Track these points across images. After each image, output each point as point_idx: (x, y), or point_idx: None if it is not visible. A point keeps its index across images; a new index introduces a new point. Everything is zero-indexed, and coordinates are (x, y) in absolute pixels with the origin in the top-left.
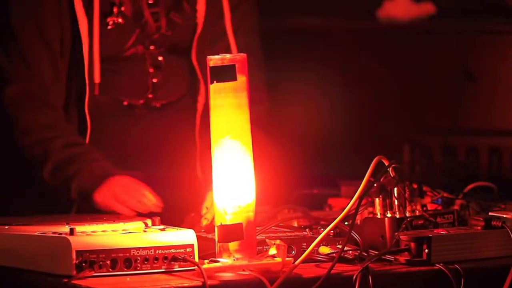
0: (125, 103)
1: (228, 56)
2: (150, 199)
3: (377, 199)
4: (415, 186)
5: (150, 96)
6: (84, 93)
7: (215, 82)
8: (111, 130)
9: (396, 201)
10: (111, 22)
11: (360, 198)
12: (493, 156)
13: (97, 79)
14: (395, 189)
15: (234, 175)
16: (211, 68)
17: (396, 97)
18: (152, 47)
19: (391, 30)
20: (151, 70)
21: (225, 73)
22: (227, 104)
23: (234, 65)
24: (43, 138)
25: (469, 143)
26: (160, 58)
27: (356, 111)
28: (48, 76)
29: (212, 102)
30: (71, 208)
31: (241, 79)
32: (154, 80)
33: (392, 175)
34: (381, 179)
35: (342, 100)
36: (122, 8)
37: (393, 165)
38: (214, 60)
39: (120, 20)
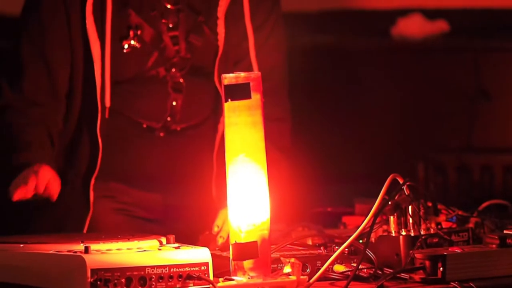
0: (144, 125)
1: (242, 74)
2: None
3: (391, 217)
4: (429, 204)
5: (169, 119)
6: (101, 116)
7: (229, 100)
8: (128, 152)
9: (410, 219)
10: (126, 46)
11: (375, 216)
12: (507, 174)
13: (107, 102)
14: (410, 207)
15: (248, 193)
16: (226, 86)
17: (410, 115)
18: (173, 70)
19: (405, 47)
20: (171, 92)
21: (239, 91)
22: (242, 122)
23: (248, 84)
24: (15, 107)
25: (483, 161)
26: (181, 81)
27: (370, 128)
28: (40, 96)
29: (227, 120)
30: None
31: (256, 97)
32: (174, 103)
33: (406, 193)
34: (396, 197)
35: (356, 118)
36: (139, 32)
37: (407, 183)
38: (229, 78)
39: (136, 43)
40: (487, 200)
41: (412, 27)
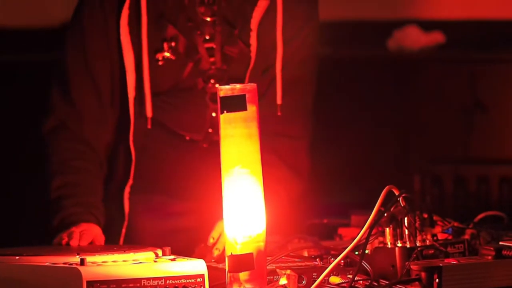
0: (187, 137)
1: (238, 86)
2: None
3: (387, 228)
4: (425, 215)
5: (210, 130)
6: (134, 126)
7: (225, 112)
8: (170, 163)
9: (406, 230)
10: (161, 58)
11: (371, 227)
12: (504, 185)
13: (149, 113)
14: (406, 218)
15: (244, 205)
16: (221, 98)
17: (406, 127)
18: (212, 81)
19: (401, 59)
20: (210, 104)
21: (235, 103)
22: (238, 134)
23: (244, 95)
24: (63, 159)
25: (480, 172)
26: None
27: (366, 140)
28: (89, 113)
29: (223, 132)
30: None
31: (251, 109)
32: (213, 114)
33: (402, 205)
34: (392, 209)
35: (352, 128)
36: (173, 44)
37: (403, 195)
38: (224, 90)
39: (170, 55)
40: (483, 212)
41: (408, 39)
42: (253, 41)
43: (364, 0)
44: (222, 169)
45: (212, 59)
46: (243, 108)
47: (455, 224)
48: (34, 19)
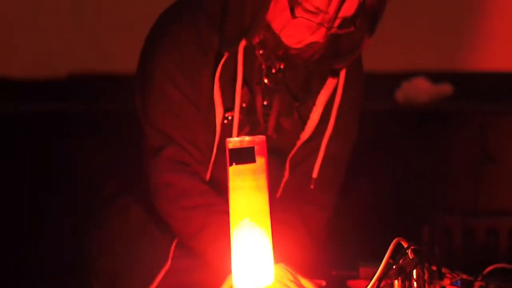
0: None
1: (247, 138)
2: None
3: (396, 281)
4: (434, 268)
5: None
6: None
7: (234, 164)
8: None
9: (415, 283)
10: (230, 117)
11: (379, 280)
12: None
13: (207, 176)
14: (414, 271)
15: (253, 257)
16: (230, 150)
17: (415, 178)
18: None
19: (410, 110)
20: None
21: (244, 155)
22: (247, 186)
23: (253, 148)
24: (203, 204)
25: (489, 224)
26: None
27: (375, 191)
28: (199, 141)
29: (231, 184)
30: None
31: (260, 161)
32: None
33: (411, 257)
34: (400, 261)
35: (361, 179)
36: (244, 105)
37: (412, 247)
38: (233, 142)
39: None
40: (492, 264)
41: (417, 91)
42: (315, 117)
43: (372, 51)
44: (230, 222)
45: (265, 125)
46: (252, 160)
47: (464, 276)
48: (41, 71)
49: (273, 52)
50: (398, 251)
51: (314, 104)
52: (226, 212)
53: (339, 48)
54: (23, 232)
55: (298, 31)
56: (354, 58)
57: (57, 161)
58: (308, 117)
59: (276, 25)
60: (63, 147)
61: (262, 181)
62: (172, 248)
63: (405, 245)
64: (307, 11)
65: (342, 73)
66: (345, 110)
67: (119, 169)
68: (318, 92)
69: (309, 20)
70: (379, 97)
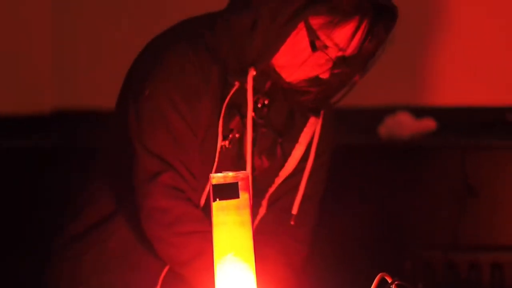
0: None
1: (230, 174)
2: None
3: None
4: None
5: None
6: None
7: (217, 199)
8: None
9: None
10: (224, 147)
11: None
12: (495, 272)
13: (201, 203)
14: None
15: None
16: (214, 186)
17: (396, 213)
18: None
19: (392, 145)
20: None
21: (228, 191)
22: (230, 221)
23: (237, 183)
24: (199, 230)
25: (471, 259)
26: None
27: (356, 227)
28: (195, 168)
29: (215, 220)
30: None
31: (244, 196)
32: None
33: None
34: None
35: (341, 214)
36: (237, 135)
37: (396, 282)
38: (217, 178)
39: (228, 145)
40: None
41: (399, 126)
42: (297, 154)
43: (355, 87)
44: (214, 257)
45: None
46: (236, 196)
47: None
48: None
49: (274, 84)
50: (382, 286)
51: (297, 141)
52: None
53: (330, 86)
54: None
55: (309, 67)
56: (341, 97)
57: (41, 195)
58: (289, 154)
59: (284, 61)
60: (46, 182)
61: (246, 216)
62: (162, 275)
63: (389, 280)
64: (325, 47)
65: (321, 113)
66: (321, 150)
67: (101, 199)
68: (300, 129)
69: (327, 54)
70: (361, 131)
